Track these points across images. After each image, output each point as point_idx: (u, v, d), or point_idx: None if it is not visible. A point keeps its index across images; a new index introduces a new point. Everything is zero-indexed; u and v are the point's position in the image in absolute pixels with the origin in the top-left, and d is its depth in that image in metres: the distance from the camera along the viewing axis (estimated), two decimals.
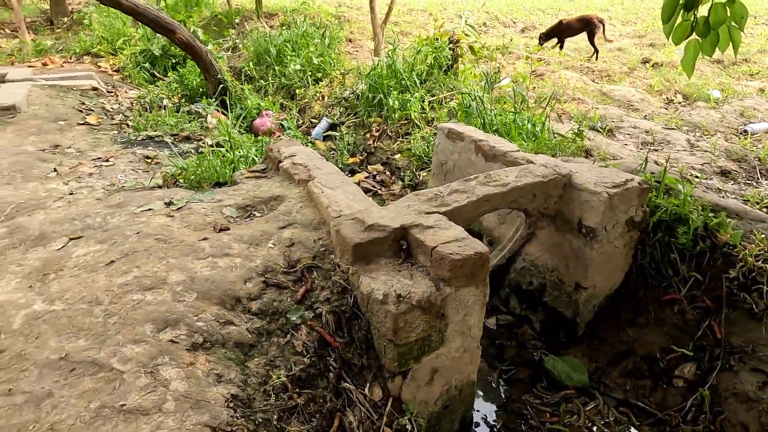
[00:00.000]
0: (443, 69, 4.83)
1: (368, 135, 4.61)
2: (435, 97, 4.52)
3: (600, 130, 4.26)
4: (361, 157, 4.49)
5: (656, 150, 4.07)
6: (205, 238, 1.78)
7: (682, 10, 1.48)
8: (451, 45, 4.88)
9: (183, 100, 4.22)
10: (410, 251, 1.71)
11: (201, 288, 1.54)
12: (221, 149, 2.91)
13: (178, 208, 2.05)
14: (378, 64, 4.71)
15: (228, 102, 4.10)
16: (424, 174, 3.90)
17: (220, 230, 1.83)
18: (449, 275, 1.57)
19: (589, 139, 3.74)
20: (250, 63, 6.51)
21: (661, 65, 6.82)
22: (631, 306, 2.43)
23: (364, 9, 11.86)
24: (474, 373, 1.85)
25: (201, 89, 4.24)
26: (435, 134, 4.22)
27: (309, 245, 1.81)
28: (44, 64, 5.28)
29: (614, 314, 2.47)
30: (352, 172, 4.25)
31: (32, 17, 11.02)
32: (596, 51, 6.86)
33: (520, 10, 11.90)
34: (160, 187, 2.72)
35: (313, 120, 5.24)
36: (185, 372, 1.28)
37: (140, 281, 1.54)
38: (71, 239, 1.87)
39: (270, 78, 6.04)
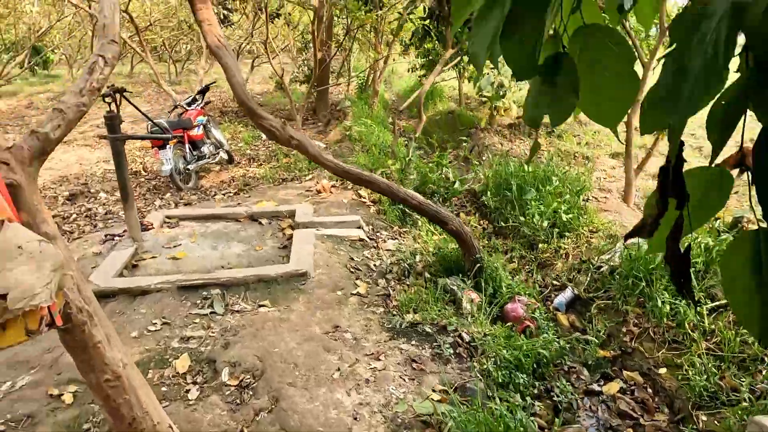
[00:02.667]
0: None
1: (624, 327, 4.16)
2: (716, 303, 3.86)
3: None
4: (614, 352, 4.05)
5: None
6: None
7: None
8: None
9: (439, 268, 4.38)
10: None
11: None
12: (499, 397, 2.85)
13: None
14: (640, 252, 4.24)
15: (482, 278, 4.12)
16: (705, 418, 3.29)
17: None
18: None
19: None
20: (488, 192, 6.61)
21: None
22: None
23: (596, 138, 10.89)
24: None
25: (455, 258, 4.36)
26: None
27: None
28: (318, 192, 6.13)
29: None
30: (605, 377, 3.84)
31: (297, 103, 13.21)
32: None
33: None
34: (431, 416, 2.78)
35: (554, 282, 4.99)
36: None
37: None
38: None
39: (509, 216, 6.01)
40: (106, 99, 4.19)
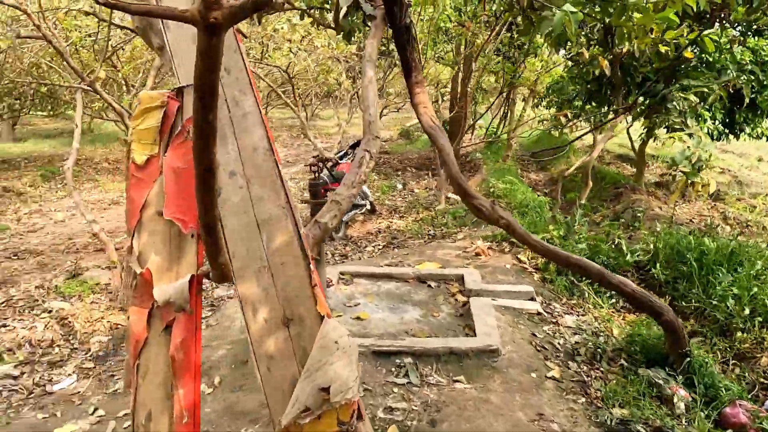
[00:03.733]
0: None
1: None
2: None
3: None
4: None
5: None
6: None
7: None
8: None
9: (637, 356, 4.10)
10: None
11: None
12: None
13: None
14: None
15: (693, 374, 3.78)
16: None
17: None
18: None
19: None
20: (658, 264, 6.15)
21: None
22: None
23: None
24: None
25: (655, 346, 4.06)
26: None
27: None
28: (477, 254, 6.12)
29: None
30: None
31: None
32: None
33: None
34: None
35: (762, 381, 4.45)
36: None
37: None
38: None
39: (687, 294, 5.53)
40: (312, 168, 4.57)
